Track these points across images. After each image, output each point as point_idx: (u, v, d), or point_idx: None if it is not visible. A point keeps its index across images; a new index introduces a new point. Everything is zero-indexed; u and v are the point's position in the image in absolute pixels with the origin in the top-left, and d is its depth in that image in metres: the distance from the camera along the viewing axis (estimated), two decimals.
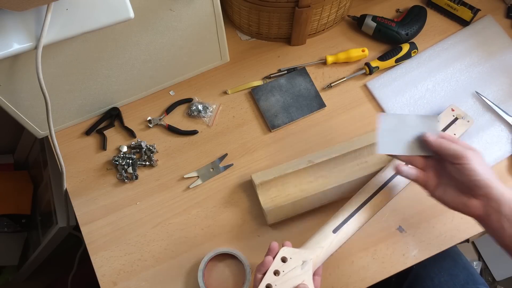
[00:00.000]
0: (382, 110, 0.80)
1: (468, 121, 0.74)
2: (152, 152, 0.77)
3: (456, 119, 0.74)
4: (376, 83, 0.82)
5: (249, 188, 0.75)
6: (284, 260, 0.55)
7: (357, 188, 0.68)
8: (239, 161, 0.77)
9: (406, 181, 0.68)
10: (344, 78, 0.82)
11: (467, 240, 0.74)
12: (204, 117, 0.80)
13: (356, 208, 0.64)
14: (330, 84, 0.82)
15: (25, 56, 0.58)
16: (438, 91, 0.81)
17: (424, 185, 0.60)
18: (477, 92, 0.80)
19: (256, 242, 0.72)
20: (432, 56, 0.84)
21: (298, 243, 0.67)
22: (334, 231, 0.62)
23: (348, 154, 0.72)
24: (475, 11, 0.84)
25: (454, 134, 0.72)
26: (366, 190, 0.66)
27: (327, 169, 0.72)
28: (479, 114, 0.79)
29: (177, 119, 0.81)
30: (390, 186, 0.66)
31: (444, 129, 0.73)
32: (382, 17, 0.83)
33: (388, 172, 0.68)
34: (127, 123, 0.81)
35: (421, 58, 0.84)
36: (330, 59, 0.83)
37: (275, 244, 0.57)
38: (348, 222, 0.63)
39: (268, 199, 0.70)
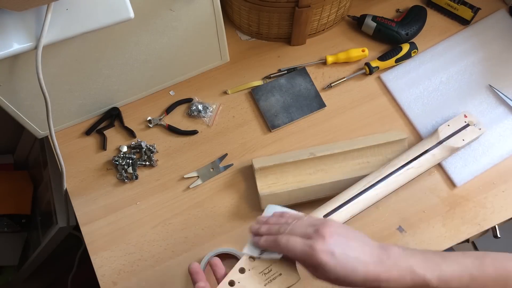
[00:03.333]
0: (396, 103, 0.81)
1: (480, 129, 0.73)
2: (152, 152, 0.77)
3: (467, 125, 0.73)
4: (390, 75, 0.82)
5: (249, 188, 0.75)
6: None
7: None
8: (239, 161, 0.77)
9: (403, 180, 0.68)
10: (344, 78, 0.82)
11: (467, 240, 0.74)
12: (204, 117, 0.80)
13: (344, 201, 0.65)
14: (330, 84, 0.82)
15: (25, 56, 0.58)
16: (452, 83, 0.81)
17: None
18: (490, 85, 0.80)
19: None
20: (446, 49, 0.84)
21: None
22: None
23: (351, 152, 0.73)
24: (475, 10, 0.84)
25: (463, 140, 0.71)
26: (359, 184, 0.67)
27: (328, 164, 0.73)
28: (492, 107, 0.79)
29: (177, 119, 0.81)
30: (385, 184, 0.67)
31: (453, 134, 0.72)
32: (382, 17, 0.83)
33: (384, 170, 0.68)
34: (127, 123, 0.81)
35: (435, 51, 0.84)
36: (330, 59, 0.83)
37: (195, 266, 0.52)
38: (336, 213, 0.64)
39: (265, 185, 0.71)
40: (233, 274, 0.52)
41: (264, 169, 0.71)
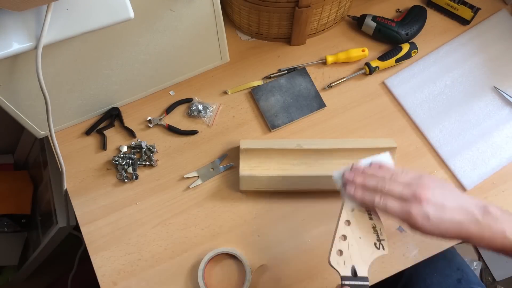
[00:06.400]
0: (401, 107, 0.80)
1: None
2: (152, 152, 0.77)
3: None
4: (395, 81, 0.82)
5: None
6: None
7: (335, 185, 0.68)
8: (239, 161, 0.77)
9: None
10: (344, 78, 0.82)
11: None
12: (204, 117, 0.80)
13: None
14: (330, 84, 0.82)
15: (25, 56, 0.58)
16: (457, 86, 0.81)
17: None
18: (495, 87, 0.80)
19: (256, 242, 0.72)
20: (449, 52, 0.84)
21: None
22: None
23: (338, 151, 0.73)
24: (475, 10, 0.84)
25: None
26: None
27: (313, 158, 0.73)
28: (498, 109, 0.79)
29: (177, 119, 0.81)
30: None
31: None
32: (382, 17, 0.83)
33: None
34: (127, 123, 0.81)
35: (438, 54, 0.84)
36: (330, 59, 0.83)
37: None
38: None
39: (248, 166, 0.72)
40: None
41: (249, 151, 0.72)
